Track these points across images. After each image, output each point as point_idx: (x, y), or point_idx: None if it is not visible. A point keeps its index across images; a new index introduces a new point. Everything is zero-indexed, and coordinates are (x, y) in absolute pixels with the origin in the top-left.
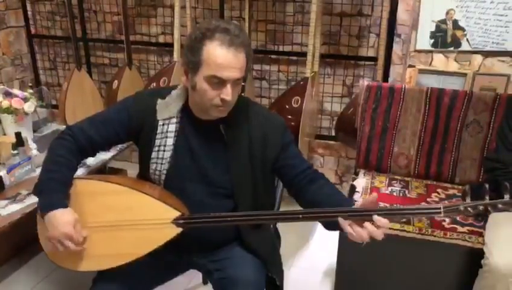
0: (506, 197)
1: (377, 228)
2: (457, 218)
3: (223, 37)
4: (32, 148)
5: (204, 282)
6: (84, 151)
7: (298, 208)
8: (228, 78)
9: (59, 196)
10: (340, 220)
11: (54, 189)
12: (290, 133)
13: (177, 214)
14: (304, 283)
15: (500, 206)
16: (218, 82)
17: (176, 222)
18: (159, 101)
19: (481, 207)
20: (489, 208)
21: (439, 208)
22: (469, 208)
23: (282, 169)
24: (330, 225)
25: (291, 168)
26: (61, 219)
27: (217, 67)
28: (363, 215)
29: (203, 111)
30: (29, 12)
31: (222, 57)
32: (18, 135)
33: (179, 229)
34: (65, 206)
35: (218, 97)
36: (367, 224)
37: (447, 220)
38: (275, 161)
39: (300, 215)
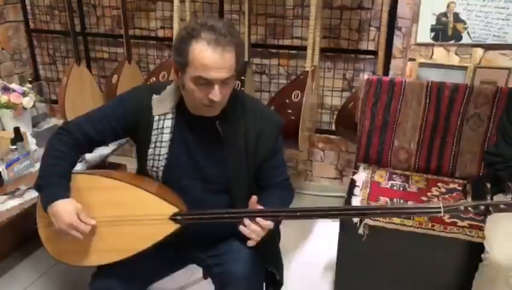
0: (509, 197)
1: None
2: None
3: (209, 36)
4: (31, 143)
5: (205, 276)
6: (81, 147)
7: (297, 204)
8: (215, 78)
9: (60, 188)
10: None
11: (54, 182)
12: (281, 139)
13: (174, 210)
14: (304, 278)
15: (502, 206)
16: (205, 83)
17: (173, 218)
18: (154, 96)
19: (482, 207)
20: (490, 209)
21: (439, 208)
22: (469, 208)
23: (261, 174)
24: None
25: (269, 178)
26: (63, 210)
27: (203, 68)
28: (360, 214)
29: (195, 109)
30: (28, 7)
31: (208, 57)
32: (17, 130)
33: (177, 226)
34: (67, 197)
35: (207, 98)
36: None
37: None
38: (261, 162)
39: (298, 213)
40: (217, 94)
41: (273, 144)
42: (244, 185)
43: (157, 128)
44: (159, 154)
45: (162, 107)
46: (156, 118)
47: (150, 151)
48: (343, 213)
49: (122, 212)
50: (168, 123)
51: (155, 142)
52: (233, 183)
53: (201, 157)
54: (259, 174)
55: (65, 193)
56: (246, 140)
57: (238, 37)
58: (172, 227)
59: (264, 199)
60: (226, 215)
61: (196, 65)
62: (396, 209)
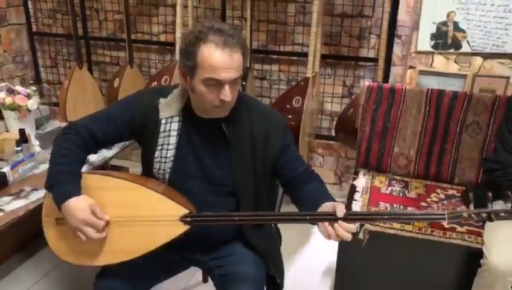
0: (508, 205)
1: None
2: None
3: (217, 38)
4: (35, 145)
5: (204, 280)
6: (88, 147)
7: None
8: (225, 79)
9: (71, 185)
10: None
11: (65, 180)
12: (290, 133)
13: (184, 211)
14: (303, 282)
15: (502, 214)
16: (215, 84)
17: (183, 219)
18: (161, 99)
19: (484, 215)
20: (492, 216)
21: (444, 215)
22: (473, 215)
23: (282, 170)
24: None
25: (290, 170)
26: (77, 207)
27: (213, 69)
28: (369, 220)
29: (204, 111)
30: (31, 10)
31: (217, 58)
32: (22, 131)
33: (186, 227)
34: (79, 194)
35: (218, 98)
36: (337, 226)
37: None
38: (275, 161)
39: (308, 217)
40: (227, 94)
41: (282, 140)
42: (250, 187)
43: (164, 131)
44: (166, 157)
45: (168, 110)
46: (163, 120)
47: (157, 154)
48: (354, 218)
49: (132, 212)
50: (175, 126)
51: (162, 144)
52: (238, 185)
53: (207, 160)
54: (279, 171)
55: (77, 190)
56: (252, 141)
57: (243, 38)
58: (182, 228)
59: (319, 199)
60: (236, 218)
61: (206, 67)
62: (404, 215)
